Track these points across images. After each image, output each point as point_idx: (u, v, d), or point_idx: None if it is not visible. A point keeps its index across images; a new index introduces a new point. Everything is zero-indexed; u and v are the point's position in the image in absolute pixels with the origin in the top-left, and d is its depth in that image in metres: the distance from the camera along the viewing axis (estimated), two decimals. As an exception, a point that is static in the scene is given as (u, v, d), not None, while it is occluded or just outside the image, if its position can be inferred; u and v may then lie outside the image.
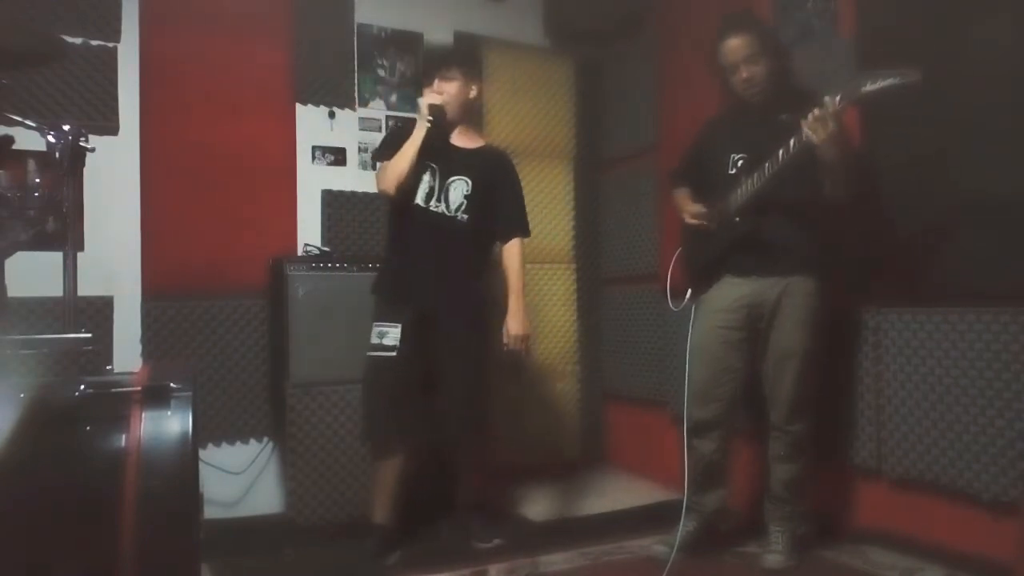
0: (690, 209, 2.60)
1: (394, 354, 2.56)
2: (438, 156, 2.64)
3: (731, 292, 2.52)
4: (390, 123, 3.46)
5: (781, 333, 2.45)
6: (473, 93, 2.72)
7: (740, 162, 2.49)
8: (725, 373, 2.52)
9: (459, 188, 2.65)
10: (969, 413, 2.25)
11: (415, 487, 2.71)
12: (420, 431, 2.65)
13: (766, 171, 2.32)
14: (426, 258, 2.61)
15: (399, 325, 2.57)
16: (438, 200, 2.64)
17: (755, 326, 2.50)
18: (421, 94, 2.69)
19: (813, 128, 2.14)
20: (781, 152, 2.27)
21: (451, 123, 2.69)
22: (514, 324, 2.67)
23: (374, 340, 2.60)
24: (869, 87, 2.03)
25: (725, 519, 2.66)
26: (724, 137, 2.60)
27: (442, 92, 2.62)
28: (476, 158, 2.72)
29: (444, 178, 2.65)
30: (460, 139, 2.73)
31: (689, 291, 2.66)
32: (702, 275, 2.60)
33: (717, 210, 2.51)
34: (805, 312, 2.43)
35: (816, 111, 2.13)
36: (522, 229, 2.77)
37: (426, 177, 2.64)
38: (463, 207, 2.65)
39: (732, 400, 2.55)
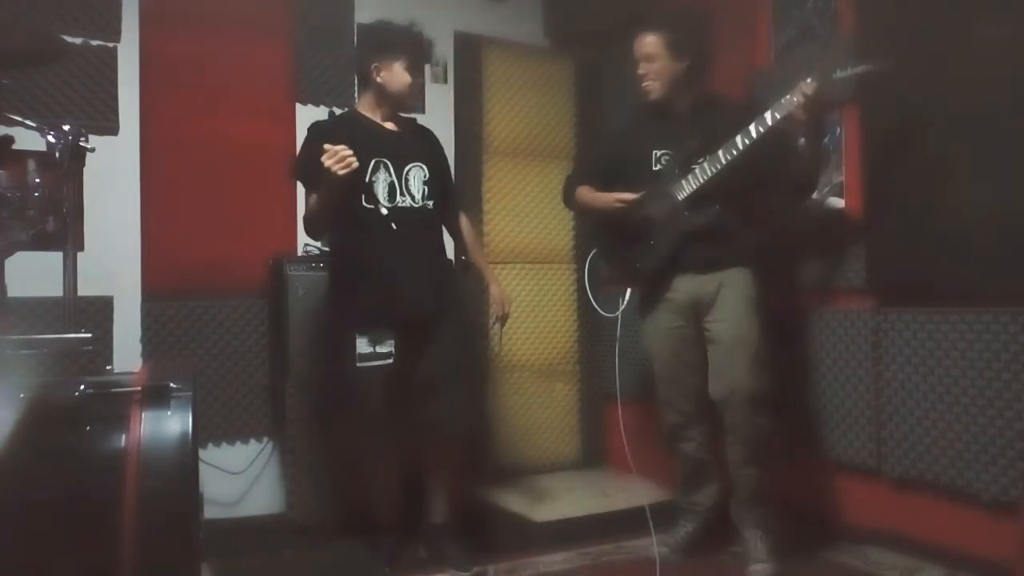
0: (617, 196, 2.53)
1: (391, 361, 2.43)
2: (386, 148, 2.49)
3: (675, 291, 2.49)
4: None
5: (723, 325, 2.41)
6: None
7: (664, 158, 2.48)
8: (687, 371, 2.51)
9: (417, 175, 2.53)
10: (969, 413, 2.25)
11: (413, 489, 2.70)
12: (416, 430, 2.59)
13: (722, 159, 2.30)
14: (405, 257, 2.46)
15: (391, 330, 2.44)
16: (402, 194, 2.49)
17: (699, 321, 2.48)
18: (360, 81, 2.63)
19: (803, 105, 2.13)
20: (740, 138, 2.25)
21: (401, 109, 2.60)
22: (499, 290, 2.70)
23: (364, 350, 2.42)
24: (839, 74, 2.08)
25: (722, 512, 2.59)
26: (643, 134, 2.58)
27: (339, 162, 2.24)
28: (419, 139, 2.63)
29: (400, 169, 2.50)
30: (393, 122, 2.58)
31: (627, 292, 2.61)
32: (646, 274, 2.53)
33: (652, 199, 2.46)
34: (744, 302, 2.40)
35: (803, 86, 2.13)
36: (459, 203, 2.79)
37: (381, 175, 2.47)
38: (426, 193, 2.53)
39: (701, 394, 2.49)
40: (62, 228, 1.70)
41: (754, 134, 2.23)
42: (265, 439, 3.15)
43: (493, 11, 3.73)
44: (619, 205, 2.53)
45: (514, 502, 3.23)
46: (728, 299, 2.41)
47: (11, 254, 1.74)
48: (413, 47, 2.57)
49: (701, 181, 2.37)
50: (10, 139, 1.75)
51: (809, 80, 2.12)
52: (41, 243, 1.71)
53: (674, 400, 2.54)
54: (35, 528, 1.37)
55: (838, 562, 2.49)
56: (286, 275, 2.89)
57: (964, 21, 2.27)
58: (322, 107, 3.32)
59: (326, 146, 2.24)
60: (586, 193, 2.67)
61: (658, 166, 2.49)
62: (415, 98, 2.61)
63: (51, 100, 2.79)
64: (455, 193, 2.76)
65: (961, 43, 2.26)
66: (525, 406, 3.70)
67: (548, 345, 3.82)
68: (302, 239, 3.22)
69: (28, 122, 1.73)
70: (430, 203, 2.55)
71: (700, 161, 2.37)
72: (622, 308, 2.62)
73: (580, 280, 3.93)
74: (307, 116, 3.28)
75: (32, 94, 2.73)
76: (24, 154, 1.73)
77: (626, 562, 2.58)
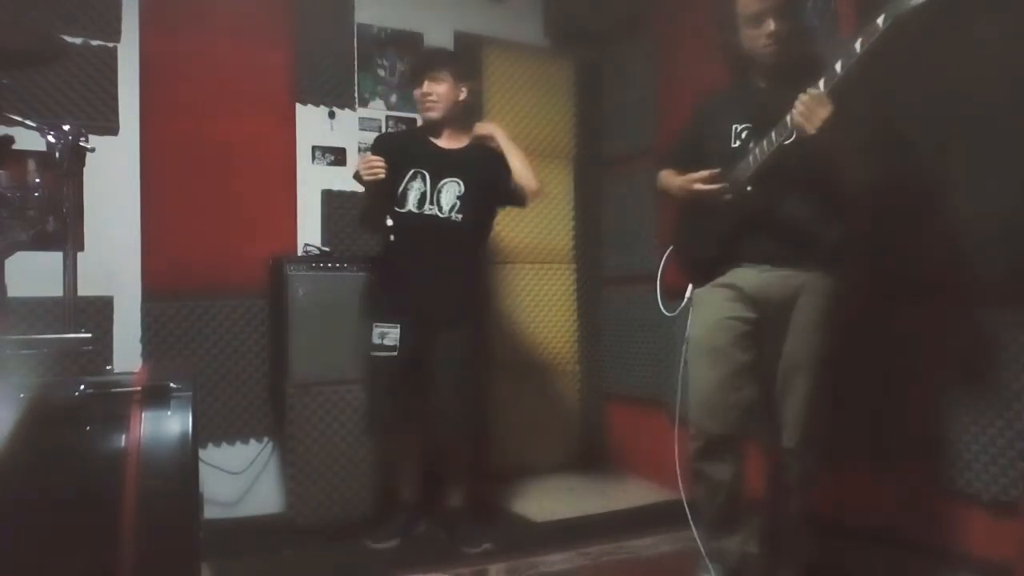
0: (692, 176, 2.16)
1: (395, 354, 2.63)
2: (428, 160, 2.68)
3: (739, 279, 2.13)
4: (390, 123, 3.46)
5: (792, 340, 2.09)
6: (463, 95, 2.74)
7: (744, 132, 2.14)
8: (739, 374, 2.10)
9: (452, 190, 2.69)
10: (969, 413, 2.24)
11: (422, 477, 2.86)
12: (420, 425, 2.76)
13: (789, 124, 1.92)
14: (422, 261, 2.66)
15: (398, 326, 2.64)
16: (431, 203, 2.67)
17: (762, 320, 2.12)
18: (412, 93, 2.82)
19: (804, 115, 1.83)
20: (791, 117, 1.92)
21: (440, 125, 2.73)
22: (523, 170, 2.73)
23: (375, 340, 2.66)
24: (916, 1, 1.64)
25: (755, 566, 2.18)
26: (724, 108, 2.24)
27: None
28: (467, 158, 2.75)
29: (436, 181, 2.68)
30: (448, 141, 2.77)
31: (690, 287, 2.28)
32: (706, 264, 2.21)
33: (731, 178, 2.10)
34: (821, 315, 2.07)
35: (873, 25, 1.71)
36: (517, 194, 2.77)
37: (416, 183, 2.68)
38: (456, 207, 2.68)
39: (749, 409, 2.11)
40: (62, 228, 1.70)
41: (823, 90, 1.86)
42: (265, 439, 3.15)
43: (493, 11, 3.74)
44: (697, 188, 2.14)
45: (514, 502, 3.23)
46: (803, 310, 2.07)
47: (11, 254, 1.73)
48: (414, 60, 2.85)
49: (766, 153, 2.00)
50: (10, 139, 1.75)
51: (882, 17, 1.69)
52: (41, 243, 1.71)
53: (717, 408, 2.10)
54: (35, 528, 1.37)
55: (835, 560, 2.48)
56: (286, 275, 2.89)
57: (965, 21, 2.27)
58: (322, 107, 3.33)
59: (367, 155, 2.65)
60: (665, 177, 2.34)
61: (737, 142, 2.14)
62: (426, 107, 2.73)
63: (51, 100, 2.79)
64: (506, 187, 2.76)
65: (962, 43, 2.26)
66: (525, 406, 3.70)
67: (548, 345, 3.82)
68: (302, 239, 3.23)
69: (28, 122, 1.72)
70: (459, 216, 2.68)
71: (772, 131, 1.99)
72: (683, 305, 2.30)
73: (580, 280, 3.94)
74: (307, 116, 3.30)
75: (32, 94, 2.73)
76: (24, 154, 1.73)
77: (626, 562, 2.58)
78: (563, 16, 3.83)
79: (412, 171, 2.68)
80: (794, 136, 1.92)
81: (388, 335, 2.64)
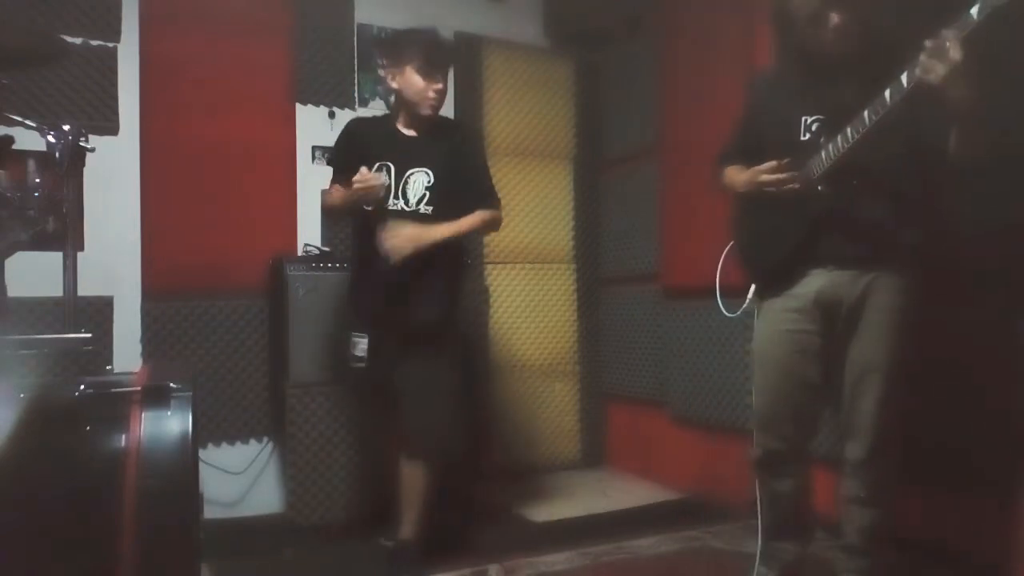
0: (759, 169, 2.05)
1: (363, 365, 2.50)
2: (393, 150, 2.46)
3: (803, 286, 2.04)
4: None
5: (862, 342, 1.99)
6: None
7: (815, 125, 2.01)
8: (801, 390, 2.06)
9: (419, 180, 2.46)
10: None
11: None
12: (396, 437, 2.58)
13: (866, 120, 1.82)
14: (388, 263, 2.39)
15: (366, 336, 2.49)
16: (396, 197, 2.45)
17: (831, 331, 2.03)
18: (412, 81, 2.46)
19: (929, 66, 1.65)
20: (888, 92, 1.76)
21: (421, 117, 2.49)
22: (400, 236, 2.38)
23: (351, 350, 2.52)
24: None
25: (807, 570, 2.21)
26: (790, 98, 2.10)
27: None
28: (436, 143, 2.50)
29: (401, 173, 2.45)
30: (417, 128, 2.52)
31: (752, 288, 2.20)
32: (773, 266, 2.11)
33: (801, 174, 1.99)
34: (894, 316, 1.97)
35: (931, 42, 1.64)
36: (486, 201, 2.53)
37: (381, 176, 2.44)
38: (425, 199, 2.45)
39: (812, 424, 2.11)
40: (62, 228, 1.70)
41: (905, 84, 1.72)
42: (265, 439, 3.15)
43: (493, 11, 3.74)
44: (764, 180, 2.03)
45: (514, 502, 3.23)
46: (875, 311, 1.97)
47: (11, 254, 1.73)
48: (425, 50, 2.48)
49: (841, 150, 1.89)
50: (10, 139, 1.75)
51: (977, 8, 1.60)
52: (41, 243, 1.71)
53: (776, 421, 2.09)
54: (35, 528, 1.37)
55: (831, 558, 2.47)
56: (286, 275, 2.89)
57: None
58: (322, 107, 3.33)
59: (363, 171, 2.37)
60: (731, 173, 2.22)
61: (807, 135, 2.02)
62: (434, 105, 2.48)
63: (51, 100, 2.79)
64: (472, 194, 2.52)
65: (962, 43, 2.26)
66: (525, 406, 3.71)
67: (548, 345, 3.82)
68: (302, 239, 3.23)
69: (28, 122, 1.72)
70: (428, 208, 2.45)
71: (847, 126, 1.88)
72: (744, 307, 2.23)
73: (580, 280, 3.94)
74: (307, 116, 3.30)
75: (32, 94, 2.74)
76: (24, 154, 1.73)
77: (626, 562, 2.58)
78: (563, 16, 3.84)
79: (377, 164, 2.45)
80: (907, 91, 1.73)
81: (359, 345, 2.49)
